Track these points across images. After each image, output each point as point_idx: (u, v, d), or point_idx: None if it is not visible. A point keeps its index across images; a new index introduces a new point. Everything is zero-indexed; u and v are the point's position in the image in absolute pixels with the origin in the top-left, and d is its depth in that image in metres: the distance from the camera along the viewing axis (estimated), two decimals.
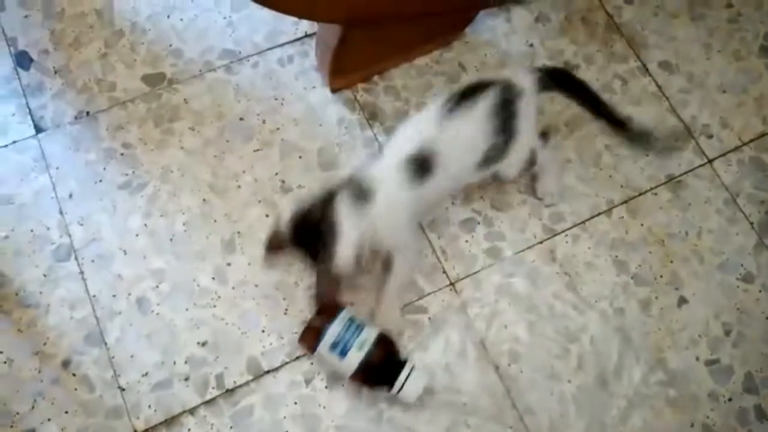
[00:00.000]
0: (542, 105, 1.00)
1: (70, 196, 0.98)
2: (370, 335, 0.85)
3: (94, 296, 0.92)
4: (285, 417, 0.87)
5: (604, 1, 1.16)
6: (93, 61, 1.07)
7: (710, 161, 1.06)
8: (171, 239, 0.96)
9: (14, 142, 1.01)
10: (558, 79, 0.94)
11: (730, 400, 0.92)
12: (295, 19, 1.08)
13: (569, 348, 0.93)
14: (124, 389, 0.87)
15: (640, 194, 1.02)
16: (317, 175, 1.00)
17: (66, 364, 0.88)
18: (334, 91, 1.06)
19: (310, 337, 0.86)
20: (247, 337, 0.90)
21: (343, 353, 0.84)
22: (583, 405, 0.90)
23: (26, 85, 1.05)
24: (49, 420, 0.85)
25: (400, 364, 0.86)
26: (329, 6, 0.90)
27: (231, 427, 0.86)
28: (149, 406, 0.86)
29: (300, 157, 1.02)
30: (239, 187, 0.99)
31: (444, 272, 0.96)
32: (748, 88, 1.11)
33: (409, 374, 0.85)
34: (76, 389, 0.87)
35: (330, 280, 0.83)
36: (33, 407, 0.86)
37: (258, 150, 1.02)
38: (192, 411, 0.87)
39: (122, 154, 1.01)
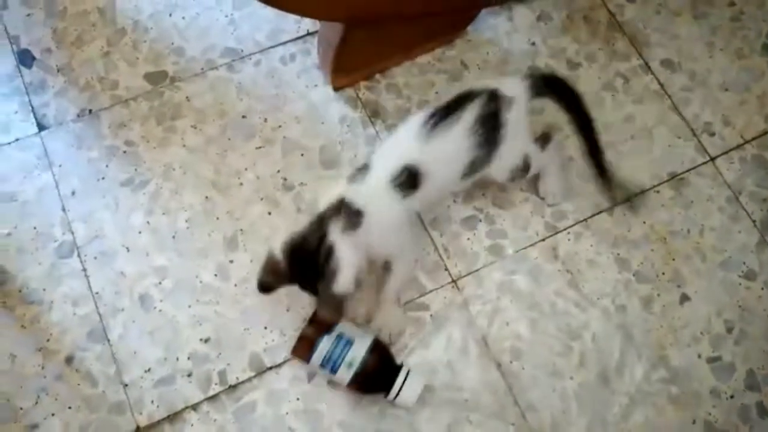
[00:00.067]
0: (543, 105, 1.03)
1: (73, 193, 1.01)
2: (359, 351, 0.87)
3: (96, 293, 0.95)
4: (287, 413, 0.90)
5: (606, 0, 1.19)
6: (95, 59, 1.10)
7: (712, 159, 1.09)
8: (173, 236, 0.99)
9: (17, 139, 1.04)
10: (552, 86, 0.96)
11: (732, 397, 0.94)
12: (297, 17, 1.11)
13: (571, 345, 0.96)
14: (126, 385, 0.90)
15: (643, 192, 1.06)
16: (319, 173, 1.03)
17: (69, 360, 0.91)
18: (336, 89, 1.09)
19: (303, 348, 0.88)
20: (249, 333, 0.93)
21: (333, 371, 0.87)
22: (584, 402, 0.93)
23: (29, 83, 1.08)
24: (52, 415, 0.88)
25: (395, 370, 0.89)
26: (331, 4, 0.94)
27: (233, 423, 0.89)
28: (152, 402, 0.89)
29: (302, 154, 1.05)
30: (241, 184, 1.02)
31: (446, 270, 0.99)
32: (750, 87, 1.14)
33: (405, 379, 0.88)
34: (79, 385, 0.90)
35: (334, 303, 0.85)
36: (36, 403, 0.89)
37: (260, 148, 1.05)
38: (195, 407, 0.89)
39: (125, 152, 1.04)
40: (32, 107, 1.06)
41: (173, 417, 0.89)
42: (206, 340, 0.93)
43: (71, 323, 0.93)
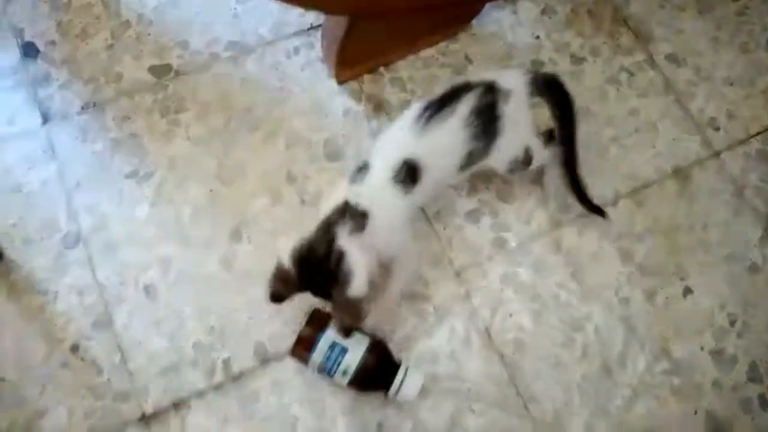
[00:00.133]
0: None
1: (78, 184, 1.05)
2: (354, 358, 0.90)
3: (101, 283, 0.99)
4: (291, 402, 0.93)
5: None
6: (99, 52, 1.14)
7: (717, 153, 1.12)
8: (178, 228, 1.02)
9: (22, 131, 1.08)
10: (550, 88, 0.98)
11: (734, 389, 0.97)
12: (301, 10, 1.15)
13: (574, 337, 0.99)
14: (132, 373, 0.94)
15: (647, 186, 1.09)
16: (323, 166, 1.07)
17: (74, 348, 0.94)
18: (340, 82, 1.13)
19: (301, 349, 0.91)
20: (253, 323, 0.97)
21: (330, 376, 0.91)
22: (587, 393, 0.96)
23: (33, 75, 1.12)
24: (58, 403, 0.92)
25: (394, 367, 0.92)
26: None
27: (238, 411, 0.92)
28: (157, 390, 0.93)
29: (306, 147, 1.08)
30: (245, 177, 1.06)
31: (449, 262, 1.02)
32: (755, 81, 1.17)
33: (404, 376, 0.91)
34: (84, 373, 0.93)
35: (351, 307, 0.87)
36: (42, 391, 0.92)
37: (264, 140, 1.09)
38: (199, 395, 0.93)
39: (129, 144, 1.08)
40: (37, 99, 1.10)
41: (178, 405, 0.92)
42: (210, 330, 0.96)
43: (76, 313, 0.97)
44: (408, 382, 0.91)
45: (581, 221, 1.06)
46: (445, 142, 0.91)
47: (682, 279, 1.03)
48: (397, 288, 0.96)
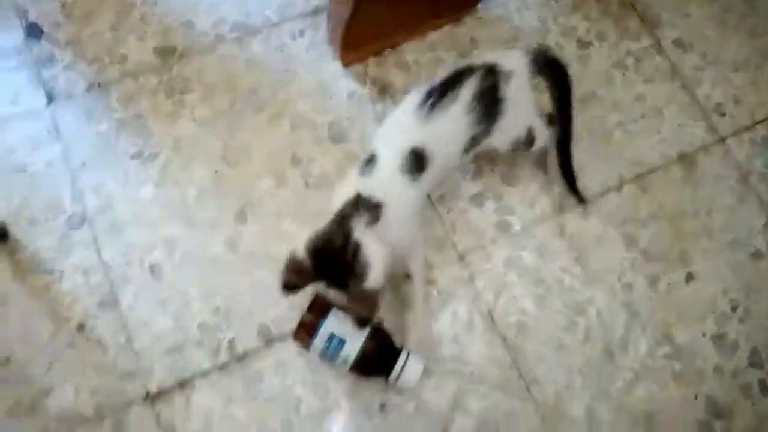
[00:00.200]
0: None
1: (83, 165, 1.07)
2: (353, 348, 0.91)
3: (107, 263, 1.01)
4: (295, 383, 0.96)
5: None
6: (104, 32, 1.16)
7: (723, 139, 1.14)
8: (183, 209, 1.04)
9: (26, 111, 1.10)
10: (551, 68, 1.00)
11: (734, 374, 1.00)
12: None
13: (576, 321, 1.01)
14: (137, 353, 0.96)
15: (652, 171, 1.11)
16: (327, 148, 1.09)
17: (80, 328, 0.97)
18: (345, 65, 1.15)
19: (303, 334, 0.93)
20: (258, 304, 0.99)
21: (332, 362, 0.93)
22: (589, 377, 0.99)
23: (37, 56, 1.14)
24: (64, 381, 0.94)
25: (396, 353, 0.94)
26: None
27: (242, 392, 0.95)
28: (162, 370, 0.95)
29: (310, 129, 1.10)
30: (250, 158, 1.08)
31: (453, 246, 1.05)
32: (762, 66, 1.19)
33: (405, 362, 0.93)
34: (90, 352, 0.96)
35: (368, 299, 0.89)
36: (49, 369, 0.95)
37: (269, 122, 1.10)
38: (204, 375, 0.95)
39: (134, 125, 1.09)
40: (41, 80, 1.12)
41: (183, 384, 0.95)
42: (215, 311, 0.99)
43: (82, 292, 0.99)
44: (409, 368, 0.93)
45: (585, 206, 1.08)
46: (449, 129, 0.93)
47: (685, 265, 1.05)
48: (421, 284, 0.98)
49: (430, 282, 1.02)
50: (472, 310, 1.01)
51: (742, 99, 1.16)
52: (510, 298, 1.02)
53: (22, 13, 1.16)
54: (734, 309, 1.03)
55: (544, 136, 1.02)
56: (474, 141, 0.94)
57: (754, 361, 1.01)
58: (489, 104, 0.93)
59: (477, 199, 1.08)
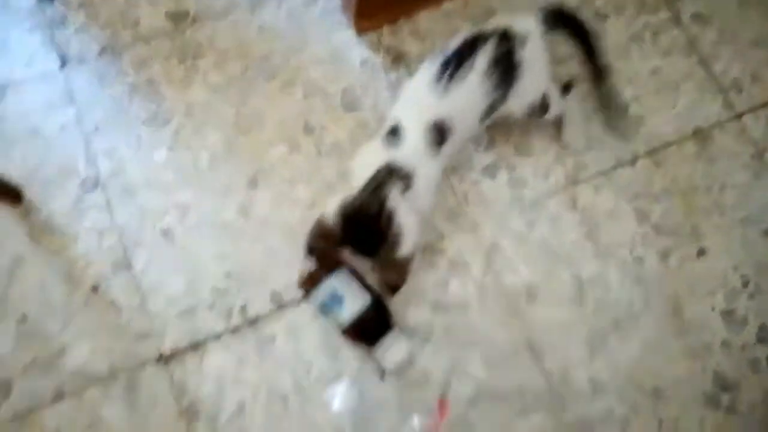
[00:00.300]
0: (568, 54, 1.11)
1: (96, 129, 1.10)
2: (348, 311, 0.94)
3: (120, 227, 1.04)
4: (306, 346, 0.99)
5: None
6: None
7: (738, 116, 1.16)
8: (196, 174, 1.08)
9: (40, 74, 1.13)
10: (563, 20, 1.03)
11: (742, 349, 1.03)
12: None
13: (586, 293, 1.05)
14: (150, 315, 1.00)
15: (666, 146, 1.13)
16: (340, 116, 1.12)
17: (95, 289, 1.01)
18: (359, 32, 1.17)
19: (308, 283, 0.97)
20: (270, 269, 1.03)
21: (327, 318, 0.96)
22: (596, 348, 1.02)
23: (50, 18, 1.16)
24: (79, 341, 0.98)
25: (387, 329, 0.96)
26: None
27: (254, 355, 0.99)
28: (175, 332, 0.99)
29: (323, 97, 1.13)
30: (262, 125, 1.11)
31: (465, 216, 1.08)
32: None
33: (392, 342, 0.95)
34: (105, 313, 1.00)
35: (400, 267, 0.92)
36: (64, 329, 0.99)
37: (281, 89, 1.13)
38: (216, 337, 0.99)
39: (146, 90, 1.12)
40: (54, 43, 1.15)
41: (195, 346, 0.99)
42: (228, 275, 1.02)
43: (96, 255, 1.03)
44: (395, 347, 0.95)
45: (598, 179, 1.10)
46: (468, 99, 0.95)
47: (697, 240, 1.08)
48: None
49: (440, 251, 1.05)
50: (483, 280, 1.05)
51: (759, 76, 1.18)
52: (520, 268, 1.05)
53: None
54: (745, 285, 1.06)
55: (559, 105, 1.05)
56: (491, 108, 0.97)
57: (763, 337, 1.04)
58: (505, 70, 0.95)
59: (490, 170, 1.10)
